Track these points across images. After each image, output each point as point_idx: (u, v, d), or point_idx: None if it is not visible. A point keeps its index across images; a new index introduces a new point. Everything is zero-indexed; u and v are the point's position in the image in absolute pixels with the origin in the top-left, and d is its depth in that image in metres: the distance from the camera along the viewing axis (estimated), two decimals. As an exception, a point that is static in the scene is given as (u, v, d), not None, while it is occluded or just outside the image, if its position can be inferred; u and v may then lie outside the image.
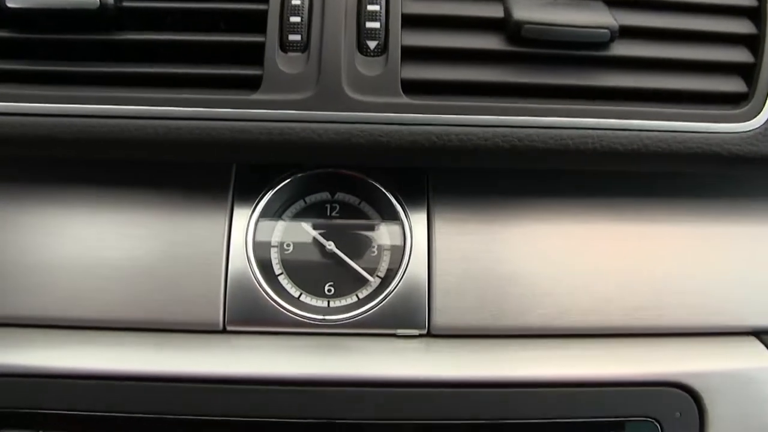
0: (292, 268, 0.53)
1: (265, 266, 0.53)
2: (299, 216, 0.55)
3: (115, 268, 0.52)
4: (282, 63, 0.50)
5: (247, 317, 0.52)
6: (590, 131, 0.50)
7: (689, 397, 0.51)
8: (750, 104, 0.51)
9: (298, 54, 0.51)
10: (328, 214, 0.55)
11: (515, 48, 0.51)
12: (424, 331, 0.52)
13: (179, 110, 0.49)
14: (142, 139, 0.49)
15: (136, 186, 0.54)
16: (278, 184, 0.54)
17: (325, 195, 0.55)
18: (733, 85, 0.52)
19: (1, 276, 0.53)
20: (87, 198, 0.54)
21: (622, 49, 0.52)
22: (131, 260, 0.52)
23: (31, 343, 0.51)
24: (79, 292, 0.52)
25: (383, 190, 0.54)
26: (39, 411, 0.48)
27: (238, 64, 0.51)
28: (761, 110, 0.51)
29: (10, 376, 0.49)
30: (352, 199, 0.55)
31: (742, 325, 0.54)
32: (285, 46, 0.50)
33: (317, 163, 0.54)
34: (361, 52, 0.51)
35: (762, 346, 0.53)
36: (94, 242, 0.53)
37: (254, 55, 0.50)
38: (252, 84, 0.50)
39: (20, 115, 0.49)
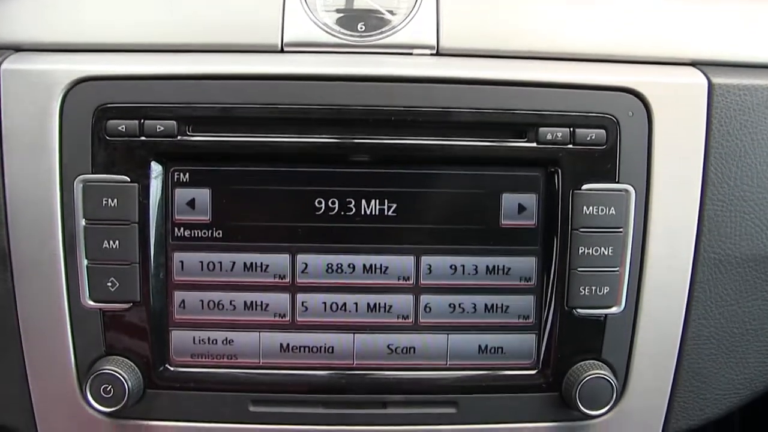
0: (336, 11, 0.68)
1: (315, 11, 0.68)
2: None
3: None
4: None
5: (301, 40, 0.67)
6: None
7: (639, 101, 0.65)
8: None
9: None
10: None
11: None
12: (434, 51, 0.67)
13: None
14: None
15: None
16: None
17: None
18: None
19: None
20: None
21: None
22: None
23: (132, 59, 0.66)
24: (151, 22, 0.66)
25: None
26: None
27: None
28: None
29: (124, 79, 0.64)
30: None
31: (684, 57, 0.69)
32: None
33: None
34: None
35: (699, 73, 0.67)
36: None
37: None
38: None
39: None
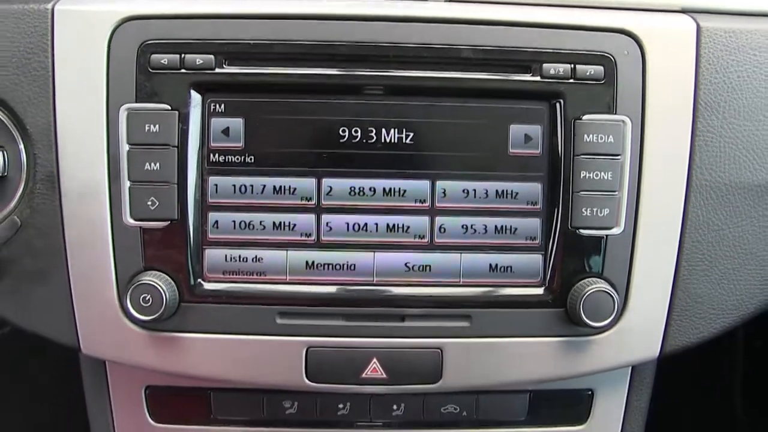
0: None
1: None
2: None
3: None
4: None
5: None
6: None
7: (634, 42, 0.72)
8: None
9: None
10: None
11: None
12: (446, -3, 0.74)
13: None
14: None
15: None
16: None
17: None
18: None
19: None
20: None
21: None
22: None
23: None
24: None
25: None
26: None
27: None
28: None
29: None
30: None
31: (675, 4, 0.76)
32: None
33: None
34: None
35: (689, 18, 0.74)
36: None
37: None
38: None
39: None
